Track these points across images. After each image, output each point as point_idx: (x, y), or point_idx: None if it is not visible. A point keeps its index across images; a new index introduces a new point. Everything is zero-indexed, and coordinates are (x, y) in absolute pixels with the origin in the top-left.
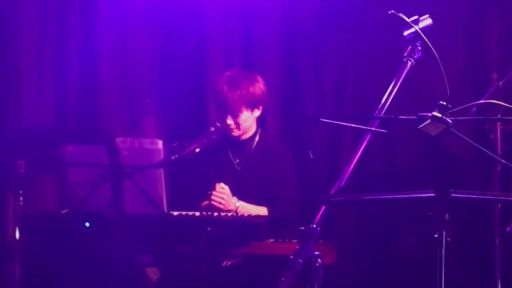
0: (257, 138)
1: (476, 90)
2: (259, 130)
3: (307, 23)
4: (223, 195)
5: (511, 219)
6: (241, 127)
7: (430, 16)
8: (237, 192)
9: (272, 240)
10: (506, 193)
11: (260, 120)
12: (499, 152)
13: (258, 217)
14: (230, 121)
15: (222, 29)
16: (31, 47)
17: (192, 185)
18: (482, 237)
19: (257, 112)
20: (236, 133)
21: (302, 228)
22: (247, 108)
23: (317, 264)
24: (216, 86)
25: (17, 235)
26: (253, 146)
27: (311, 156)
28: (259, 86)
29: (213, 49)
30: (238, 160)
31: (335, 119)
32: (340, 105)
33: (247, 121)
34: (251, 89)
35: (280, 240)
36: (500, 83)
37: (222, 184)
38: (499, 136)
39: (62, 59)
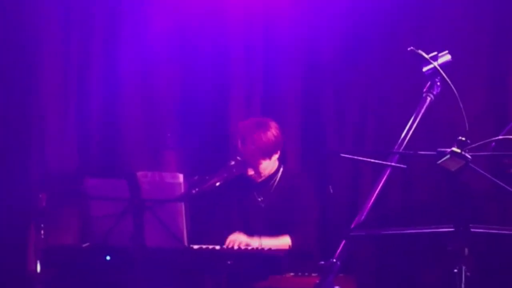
0: (279, 174)
1: (495, 125)
2: (282, 166)
3: (327, 58)
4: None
5: None
6: (263, 174)
7: (450, 51)
8: (263, 228)
9: (292, 273)
10: None
11: (281, 155)
12: None
13: (278, 251)
14: (251, 172)
15: (243, 64)
16: (53, 82)
17: (213, 220)
18: (503, 271)
19: (276, 157)
20: (258, 179)
21: (322, 262)
22: (264, 158)
23: None
24: (234, 141)
25: (38, 268)
26: (276, 183)
27: (331, 190)
28: (272, 133)
29: (234, 84)
30: (262, 198)
31: (355, 154)
32: (360, 140)
33: (268, 168)
34: (264, 140)
35: (300, 274)
36: None
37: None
38: None
39: (84, 94)
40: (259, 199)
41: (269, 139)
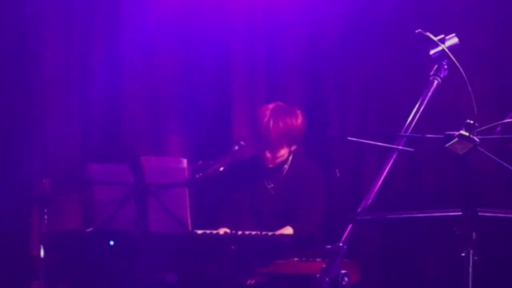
0: (289, 162)
1: (502, 108)
2: (291, 154)
3: (330, 43)
4: None
5: None
6: (277, 160)
7: (456, 34)
8: (271, 215)
9: (296, 258)
10: None
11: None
12: None
13: (282, 235)
14: (268, 154)
15: (246, 48)
16: (56, 66)
17: (219, 204)
18: (510, 256)
19: (294, 147)
20: (271, 164)
21: (329, 246)
22: (288, 143)
23: (343, 283)
24: (260, 118)
25: (42, 253)
26: (286, 170)
27: (338, 174)
28: (300, 122)
29: (237, 68)
30: (272, 185)
31: (361, 138)
32: (365, 124)
33: (284, 155)
34: (295, 125)
35: (304, 258)
36: None
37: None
38: None
39: (87, 79)
40: (269, 186)
41: (297, 126)
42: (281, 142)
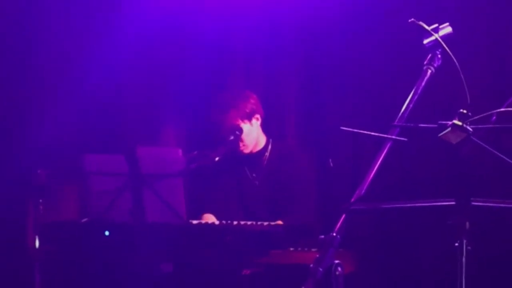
0: (269, 149)
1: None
2: (270, 140)
3: (325, 32)
4: None
5: None
6: (247, 141)
7: (451, 23)
8: (259, 205)
9: (291, 248)
10: None
11: (276, 130)
12: None
13: (277, 226)
14: (240, 144)
15: (243, 39)
16: (52, 58)
17: (208, 196)
18: (503, 245)
19: (256, 122)
20: (246, 149)
21: (322, 236)
22: (243, 120)
23: (337, 273)
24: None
25: (37, 243)
26: (267, 157)
27: (331, 164)
28: (245, 97)
29: (233, 59)
30: (254, 175)
31: (355, 127)
32: (359, 114)
33: (251, 134)
34: (239, 103)
35: (299, 248)
36: None
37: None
38: None
39: (83, 70)
40: (252, 176)
41: (242, 101)
42: (235, 121)
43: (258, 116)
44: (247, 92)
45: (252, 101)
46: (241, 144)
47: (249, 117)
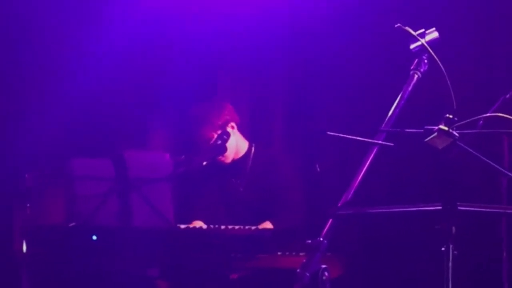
0: (252, 154)
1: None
2: (253, 145)
3: (312, 37)
4: None
5: None
6: (227, 152)
7: (438, 28)
8: (244, 212)
9: (279, 253)
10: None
11: (263, 135)
12: (506, 165)
13: (265, 230)
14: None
15: (231, 43)
16: (38, 62)
17: (196, 201)
18: (489, 250)
19: (232, 130)
20: (227, 160)
21: (309, 241)
22: (216, 130)
23: (324, 277)
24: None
25: (24, 248)
26: (250, 163)
27: (318, 169)
28: (217, 108)
29: (221, 63)
30: (238, 181)
31: (343, 132)
32: (346, 119)
33: (229, 144)
34: (210, 116)
35: (287, 253)
36: (507, 95)
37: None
38: (506, 148)
39: (70, 73)
40: (236, 183)
41: (213, 112)
42: (209, 133)
43: (232, 124)
44: (219, 102)
45: (224, 111)
46: (221, 157)
47: (222, 127)
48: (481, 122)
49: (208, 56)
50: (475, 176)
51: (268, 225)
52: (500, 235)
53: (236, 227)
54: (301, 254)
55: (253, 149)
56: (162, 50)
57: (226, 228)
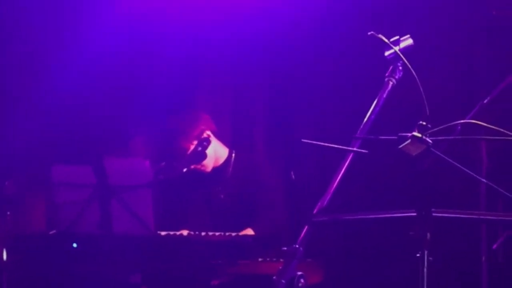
0: (232, 160)
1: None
2: (233, 152)
3: (292, 44)
4: None
5: (498, 237)
6: (205, 162)
7: (414, 35)
8: (225, 218)
9: (260, 259)
10: (490, 212)
11: (243, 141)
12: (484, 171)
13: (246, 236)
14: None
15: (212, 49)
16: (19, 67)
17: (177, 208)
18: (468, 255)
19: (208, 138)
20: (206, 169)
21: (285, 248)
22: (191, 141)
23: (300, 284)
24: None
25: (5, 256)
26: (230, 170)
27: (293, 177)
28: (192, 119)
29: (202, 69)
30: (219, 188)
31: (318, 139)
32: (324, 126)
33: (207, 151)
34: (185, 128)
35: (268, 259)
36: (485, 101)
37: None
38: (484, 154)
39: (50, 80)
40: (217, 190)
41: (186, 124)
42: (186, 146)
43: (208, 133)
44: (193, 113)
45: (199, 122)
46: (200, 166)
47: (198, 139)
48: (459, 128)
49: (189, 63)
50: (454, 183)
51: (249, 231)
52: (479, 240)
53: (217, 233)
54: (281, 260)
55: (233, 155)
56: (143, 57)
57: (207, 234)
